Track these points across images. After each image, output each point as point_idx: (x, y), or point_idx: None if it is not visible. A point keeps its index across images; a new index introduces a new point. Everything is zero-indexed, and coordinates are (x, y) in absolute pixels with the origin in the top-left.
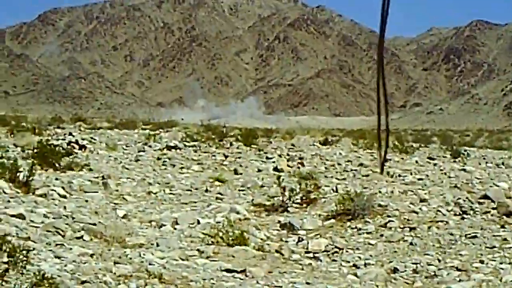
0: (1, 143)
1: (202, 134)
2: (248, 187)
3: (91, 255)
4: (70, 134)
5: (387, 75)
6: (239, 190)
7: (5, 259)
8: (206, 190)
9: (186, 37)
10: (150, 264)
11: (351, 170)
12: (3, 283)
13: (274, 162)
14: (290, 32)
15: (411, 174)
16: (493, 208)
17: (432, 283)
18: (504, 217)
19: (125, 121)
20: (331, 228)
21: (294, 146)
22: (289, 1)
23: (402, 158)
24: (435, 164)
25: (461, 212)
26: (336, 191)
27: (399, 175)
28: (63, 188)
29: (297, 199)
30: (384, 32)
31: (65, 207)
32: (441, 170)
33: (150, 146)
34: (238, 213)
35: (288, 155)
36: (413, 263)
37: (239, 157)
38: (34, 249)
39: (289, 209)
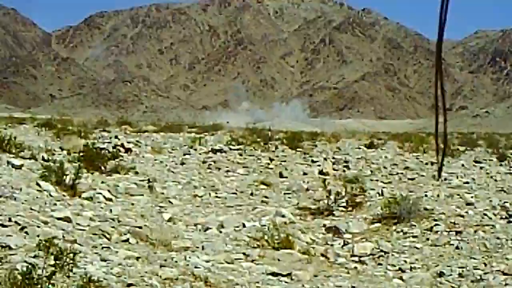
0: (48, 146)
1: (247, 137)
2: (293, 191)
3: (137, 258)
4: (116, 137)
5: (433, 78)
6: (285, 194)
7: (52, 262)
8: (252, 194)
9: (232, 41)
10: (195, 267)
11: (397, 173)
12: (50, 286)
13: (319, 165)
14: (336, 35)
15: (457, 177)
16: None
17: (478, 287)
18: None
19: (170, 124)
20: (376, 232)
21: (340, 149)
22: (334, 4)
23: (448, 162)
24: (481, 168)
25: (507, 216)
26: (382, 195)
27: (445, 179)
28: (109, 191)
29: (342, 202)
30: (442, 37)
31: (111, 210)
32: (487, 173)
33: (195, 150)
34: (283, 216)
35: (333, 158)
36: (459, 267)
37: (284, 161)
38: (80, 252)
39: (334, 212)
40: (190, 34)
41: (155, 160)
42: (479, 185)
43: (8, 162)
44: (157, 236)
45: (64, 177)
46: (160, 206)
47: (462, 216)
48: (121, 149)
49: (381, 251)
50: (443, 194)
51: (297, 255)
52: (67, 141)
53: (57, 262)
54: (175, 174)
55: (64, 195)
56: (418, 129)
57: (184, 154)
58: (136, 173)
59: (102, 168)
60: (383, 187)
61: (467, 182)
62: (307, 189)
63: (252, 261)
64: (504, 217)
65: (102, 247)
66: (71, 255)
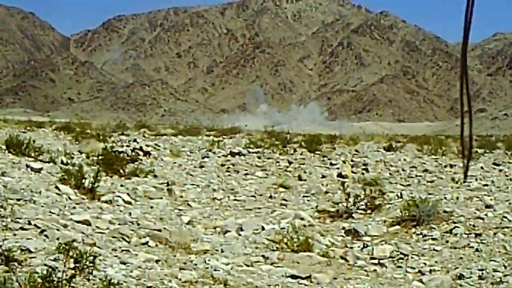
0: (67, 150)
1: (265, 140)
2: (312, 193)
3: (157, 261)
4: (135, 140)
5: (451, 80)
6: (303, 196)
7: (72, 265)
8: (270, 196)
9: (250, 44)
10: (215, 270)
11: (416, 176)
12: None
13: (338, 168)
14: (354, 38)
15: (476, 180)
16: None
17: None
18: None
19: (188, 127)
20: (396, 234)
21: (358, 152)
22: (352, 7)
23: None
24: (500, 170)
25: None
26: (401, 197)
27: (464, 181)
28: (128, 194)
29: (361, 205)
30: (467, 40)
31: (130, 213)
32: (506, 176)
33: (214, 153)
34: (302, 219)
35: (352, 161)
36: (479, 270)
37: (303, 163)
38: (100, 255)
39: (353, 215)
40: (208, 38)
41: (174, 163)
42: (498, 187)
43: (27, 166)
44: (176, 239)
45: (83, 180)
46: (179, 209)
47: (482, 218)
48: (140, 152)
49: (401, 253)
50: (462, 197)
51: (317, 257)
52: (85, 144)
53: (77, 265)
54: (194, 177)
55: (83, 198)
56: (436, 131)
57: (203, 157)
58: (155, 176)
59: (121, 171)
60: (402, 190)
61: (486, 185)
62: (326, 192)
63: (272, 263)
64: None
65: (122, 250)
66: (91, 258)
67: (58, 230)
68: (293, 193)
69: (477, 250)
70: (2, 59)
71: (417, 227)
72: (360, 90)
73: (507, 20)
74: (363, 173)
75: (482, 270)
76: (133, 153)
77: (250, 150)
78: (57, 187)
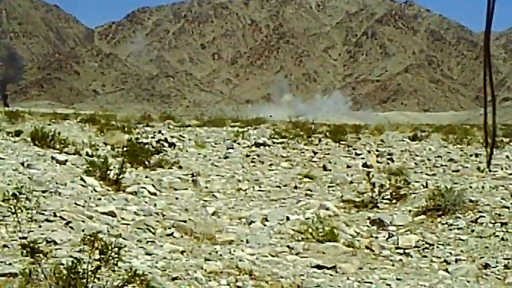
0: (92, 141)
1: (290, 130)
2: (337, 184)
3: (182, 252)
4: (159, 132)
5: (476, 69)
6: (328, 187)
7: (97, 256)
8: (295, 187)
9: (274, 34)
10: (240, 261)
11: (441, 165)
12: (95, 280)
13: (363, 158)
14: (378, 27)
15: (501, 169)
16: None
17: None
18: None
19: (213, 118)
20: (421, 224)
21: (383, 142)
22: None
23: (493, 153)
24: None
25: None
26: (426, 187)
27: (490, 170)
28: (153, 185)
29: (387, 195)
30: (490, 29)
31: (155, 205)
32: None
33: (238, 144)
34: (327, 209)
35: (377, 151)
36: (504, 259)
37: (328, 154)
38: (125, 246)
39: (378, 205)
40: (232, 29)
41: (199, 154)
42: None
43: (53, 158)
44: (201, 229)
45: (108, 172)
46: (204, 200)
47: (507, 207)
48: (165, 143)
49: (426, 243)
50: (488, 186)
51: (342, 247)
52: (110, 136)
53: (102, 256)
54: (219, 168)
55: (108, 190)
56: (461, 121)
57: (228, 148)
58: (180, 167)
59: (146, 162)
60: (428, 179)
61: None
62: (351, 182)
63: (297, 254)
64: None
65: (147, 241)
66: (116, 249)
67: (83, 221)
68: (318, 184)
69: (502, 239)
70: (27, 52)
71: (443, 216)
72: (385, 80)
73: None
74: (388, 163)
75: (508, 259)
76: (158, 145)
77: (275, 140)
78: (82, 179)
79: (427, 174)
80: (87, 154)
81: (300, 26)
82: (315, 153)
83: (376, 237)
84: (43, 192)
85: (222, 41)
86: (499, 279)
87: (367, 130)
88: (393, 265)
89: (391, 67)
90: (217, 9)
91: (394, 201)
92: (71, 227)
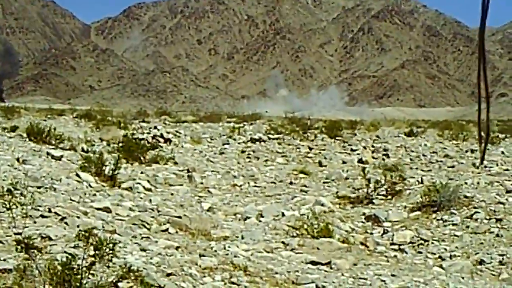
0: (87, 137)
1: (286, 126)
2: (332, 179)
3: (177, 248)
4: (155, 127)
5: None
6: (324, 182)
7: (92, 252)
8: (291, 183)
9: (270, 30)
10: (235, 257)
11: (437, 161)
12: (90, 276)
13: (358, 154)
14: (374, 23)
15: (497, 165)
16: None
17: None
18: None
19: (209, 114)
20: (416, 220)
21: (379, 137)
22: None
23: (488, 149)
24: None
25: None
26: (422, 183)
27: (485, 166)
28: (148, 181)
29: (382, 191)
30: (484, 25)
31: (150, 200)
32: None
33: (234, 139)
34: (322, 205)
35: (372, 146)
36: (499, 255)
37: (324, 149)
38: (120, 242)
39: (374, 201)
40: (228, 24)
41: (194, 150)
42: None
43: (48, 153)
44: (197, 225)
45: (104, 167)
46: (199, 196)
47: (503, 203)
48: (160, 139)
49: (421, 239)
50: (483, 182)
51: (337, 243)
52: (106, 132)
53: (97, 252)
54: (214, 163)
55: (103, 186)
56: (457, 116)
57: (223, 144)
58: (175, 163)
59: (142, 158)
60: (423, 175)
61: (507, 170)
62: (346, 178)
63: (292, 250)
64: None
65: (142, 237)
66: (111, 245)
67: (78, 217)
68: (313, 179)
69: (497, 235)
70: (23, 47)
71: (438, 212)
72: (381, 76)
73: None
74: (383, 159)
75: (502, 255)
76: (154, 140)
77: (271, 136)
78: (77, 175)
79: (422, 170)
80: (82, 149)
81: (297, 21)
82: (310, 148)
83: (371, 233)
84: (38, 187)
85: (219, 36)
86: (494, 275)
87: (363, 126)
88: (387, 261)
89: (387, 62)
90: (214, 4)
91: (389, 197)
92: (66, 223)
